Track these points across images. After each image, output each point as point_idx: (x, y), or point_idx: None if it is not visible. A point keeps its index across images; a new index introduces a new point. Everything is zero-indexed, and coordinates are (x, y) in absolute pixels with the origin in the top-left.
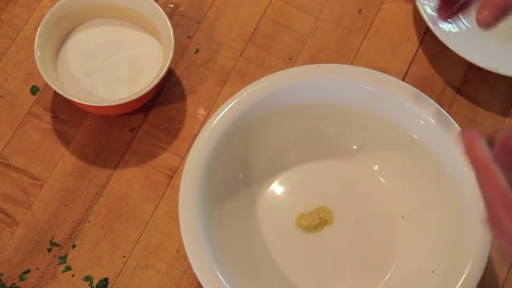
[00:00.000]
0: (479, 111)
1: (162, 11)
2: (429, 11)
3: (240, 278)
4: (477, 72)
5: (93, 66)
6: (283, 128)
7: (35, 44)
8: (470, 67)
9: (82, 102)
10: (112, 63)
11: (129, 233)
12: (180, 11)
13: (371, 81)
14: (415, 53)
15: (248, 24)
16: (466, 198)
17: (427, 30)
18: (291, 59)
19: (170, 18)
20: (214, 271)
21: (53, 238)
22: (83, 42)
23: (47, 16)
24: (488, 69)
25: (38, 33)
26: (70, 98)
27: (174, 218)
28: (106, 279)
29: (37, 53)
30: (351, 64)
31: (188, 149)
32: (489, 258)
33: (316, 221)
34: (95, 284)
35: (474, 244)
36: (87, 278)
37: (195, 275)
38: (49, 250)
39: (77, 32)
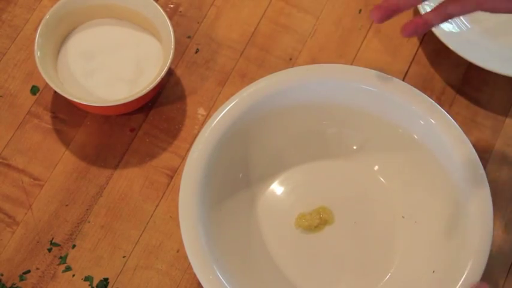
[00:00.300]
0: (479, 111)
1: (162, 11)
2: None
3: (240, 278)
4: (477, 72)
5: (93, 66)
6: (283, 128)
7: (35, 44)
8: (470, 67)
9: (82, 102)
10: (112, 63)
11: (129, 233)
12: (180, 11)
13: (371, 81)
14: (415, 53)
15: (248, 24)
16: (466, 198)
17: None
18: (291, 59)
19: (170, 18)
20: (214, 271)
21: (53, 238)
22: (83, 42)
23: (47, 16)
24: (488, 69)
25: (38, 33)
26: (70, 98)
27: (174, 218)
28: (106, 279)
29: (37, 53)
30: (351, 64)
31: (188, 149)
32: (489, 258)
33: (316, 221)
34: (95, 284)
35: (474, 244)
36: (87, 278)
37: (195, 275)
38: (49, 250)
39: (77, 32)
